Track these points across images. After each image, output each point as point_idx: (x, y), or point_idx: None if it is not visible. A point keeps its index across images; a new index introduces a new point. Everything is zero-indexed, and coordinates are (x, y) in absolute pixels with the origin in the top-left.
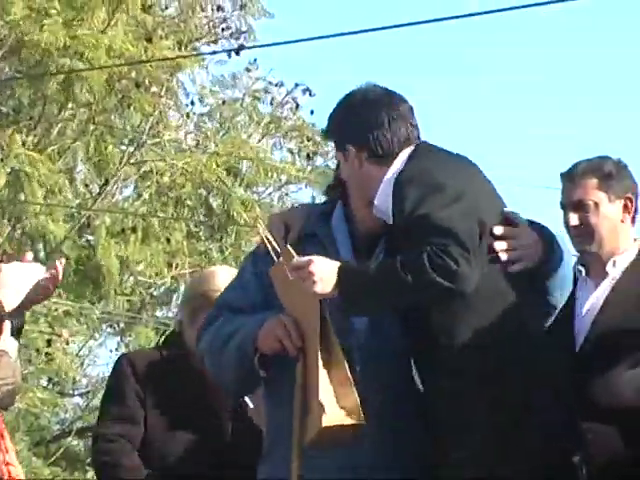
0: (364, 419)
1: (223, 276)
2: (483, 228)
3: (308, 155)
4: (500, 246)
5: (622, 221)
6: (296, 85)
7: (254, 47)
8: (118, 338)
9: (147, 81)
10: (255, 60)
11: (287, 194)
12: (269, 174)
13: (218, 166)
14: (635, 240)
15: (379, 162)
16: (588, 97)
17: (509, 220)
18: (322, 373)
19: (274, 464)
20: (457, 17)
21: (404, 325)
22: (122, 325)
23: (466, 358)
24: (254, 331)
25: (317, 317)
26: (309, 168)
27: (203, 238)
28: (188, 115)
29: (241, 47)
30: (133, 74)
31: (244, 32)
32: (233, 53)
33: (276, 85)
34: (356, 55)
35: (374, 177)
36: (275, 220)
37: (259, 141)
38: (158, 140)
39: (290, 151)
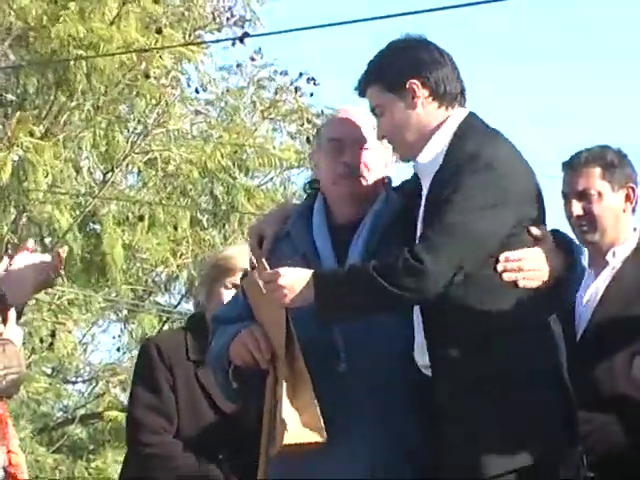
0: (326, 436)
1: (234, 248)
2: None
3: (308, 138)
4: (500, 268)
5: (624, 211)
6: (300, 74)
7: (258, 35)
8: (121, 324)
9: (156, 72)
10: (260, 49)
11: (289, 178)
12: (272, 164)
13: (223, 157)
14: (635, 230)
15: (439, 102)
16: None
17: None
18: (285, 389)
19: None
20: (468, 5)
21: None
22: (125, 312)
23: (471, 349)
24: (228, 343)
25: (283, 330)
26: (309, 151)
27: (207, 225)
28: (191, 102)
29: (245, 35)
30: (143, 65)
31: (248, 20)
32: (238, 41)
33: (280, 74)
34: (362, 41)
35: (432, 117)
36: (252, 231)
37: (260, 125)
38: (164, 130)
39: (290, 135)
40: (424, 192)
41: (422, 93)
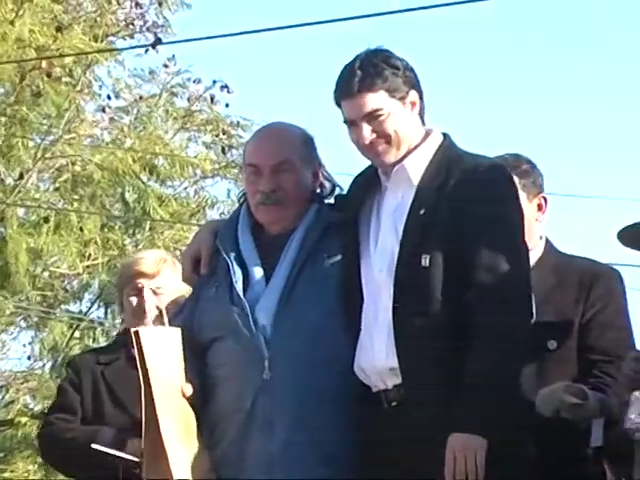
0: None
1: (143, 254)
2: None
3: (223, 149)
4: None
5: (536, 220)
6: (214, 82)
7: (171, 43)
8: (32, 332)
9: (59, 72)
10: (173, 56)
11: (203, 188)
12: (184, 170)
13: (134, 162)
14: (541, 238)
15: (421, 119)
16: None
17: None
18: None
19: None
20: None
21: None
22: (36, 319)
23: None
24: None
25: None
26: (224, 162)
27: (119, 233)
28: (104, 109)
29: (157, 41)
30: (44, 64)
31: (161, 26)
32: (150, 48)
33: (194, 82)
34: (273, 50)
35: (418, 130)
36: (184, 256)
37: (174, 135)
38: (74, 135)
39: (205, 145)
40: (390, 199)
41: (418, 106)
